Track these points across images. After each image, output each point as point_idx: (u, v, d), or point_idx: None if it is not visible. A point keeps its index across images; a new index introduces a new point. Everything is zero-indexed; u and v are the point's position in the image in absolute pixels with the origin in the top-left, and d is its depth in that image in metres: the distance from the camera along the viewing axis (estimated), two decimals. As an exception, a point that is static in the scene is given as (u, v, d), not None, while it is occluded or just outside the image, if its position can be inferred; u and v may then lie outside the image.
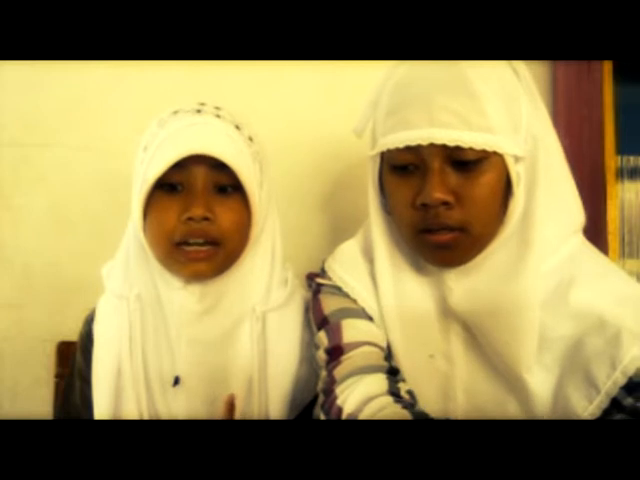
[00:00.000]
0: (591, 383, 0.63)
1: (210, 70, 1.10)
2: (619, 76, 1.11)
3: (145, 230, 0.76)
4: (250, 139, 0.78)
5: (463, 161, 0.65)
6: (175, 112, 0.77)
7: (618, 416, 0.61)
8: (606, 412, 0.62)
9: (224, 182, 0.75)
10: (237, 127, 0.77)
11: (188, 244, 0.74)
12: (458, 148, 0.64)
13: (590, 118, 1.09)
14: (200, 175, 0.74)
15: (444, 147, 0.64)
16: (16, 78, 1.15)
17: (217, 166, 0.73)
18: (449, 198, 0.65)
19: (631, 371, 0.61)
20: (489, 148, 0.64)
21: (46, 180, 1.16)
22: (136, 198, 0.76)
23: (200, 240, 0.74)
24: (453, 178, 0.66)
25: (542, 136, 0.69)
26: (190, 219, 0.72)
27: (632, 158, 1.14)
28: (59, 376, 1.11)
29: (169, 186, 0.74)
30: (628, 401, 0.61)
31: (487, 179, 0.66)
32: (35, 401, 1.13)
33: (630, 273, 0.73)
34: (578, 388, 0.64)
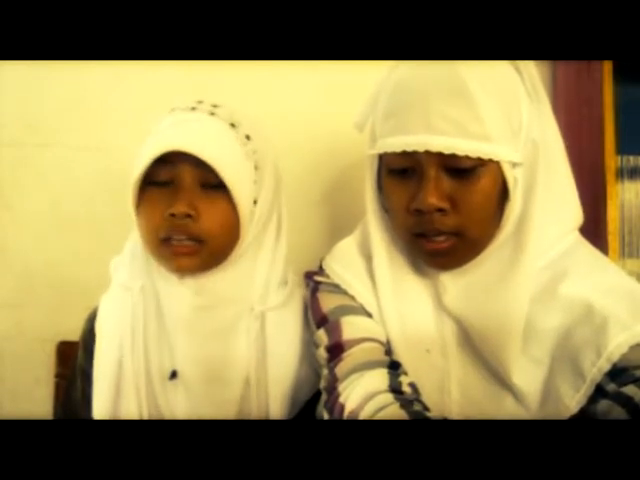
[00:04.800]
0: (578, 372, 0.64)
1: (210, 70, 1.10)
2: (619, 76, 1.10)
3: (138, 225, 0.78)
4: (247, 137, 0.78)
5: (459, 168, 0.65)
6: (172, 110, 0.78)
7: (602, 402, 0.61)
8: (591, 399, 0.63)
9: (211, 180, 0.74)
10: (232, 125, 0.77)
11: (172, 240, 0.74)
12: (454, 155, 0.64)
13: (590, 118, 1.09)
14: (186, 172, 0.74)
15: (440, 155, 0.64)
16: (16, 78, 1.15)
17: (204, 164, 0.73)
18: (444, 205, 0.65)
19: (615, 357, 0.62)
20: (485, 156, 0.64)
21: (46, 180, 1.16)
22: (128, 192, 0.77)
23: (182, 237, 0.74)
24: (448, 184, 0.66)
25: (543, 139, 0.69)
26: (172, 215, 0.73)
27: (632, 158, 1.14)
28: (59, 376, 1.11)
29: (158, 178, 0.75)
30: (611, 387, 0.62)
31: (482, 185, 0.66)
32: (35, 401, 1.13)
33: (630, 273, 0.73)
34: (566, 378, 0.64)
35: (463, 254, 0.69)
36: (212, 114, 0.77)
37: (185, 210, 0.73)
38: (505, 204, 0.67)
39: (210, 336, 0.78)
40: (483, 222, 0.67)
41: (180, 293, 0.77)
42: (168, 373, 0.78)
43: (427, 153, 0.64)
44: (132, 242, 0.84)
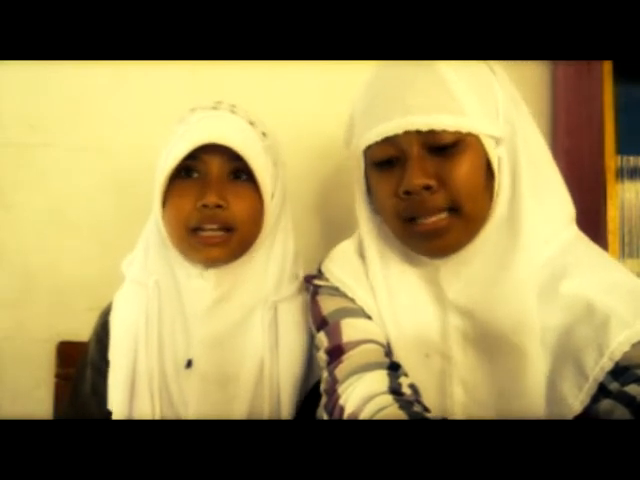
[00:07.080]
0: (580, 371, 0.63)
1: (210, 70, 1.11)
2: (619, 76, 1.10)
3: (164, 218, 0.80)
4: (264, 134, 0.82)
5: (440, 146, 0.66)
6: (193, 109, 0.81)
7: (605, 401, 0.60)
8: (593, 398, 0.62)
9: (238, 171, 0.79)
10: (251, 123, 0.81)
11: (203, 230, 0.77)
12: (433, 132, 0.65)
13: (590, 118, 1.09)
14: (215, 164, 0.78)
15: (420, 134, 0.66)
16: (16, 78, 1.16)
17: (231, 157, 0.77)
18: (430, 182, 0.66)
19: (617, 356, 0.61)
20: (462, 129, 0.65)
21: (46, 180, 1.16)
22: (156, 186, 0.79)
23: (214, 226, 0.77)
24: (432, 163, 0.67)
25: (521, 126, 0.70)
26: (204, 206, 0.76)
27: (632, 158, 1.13)
28: (59, 376, 1.11)
29: (185, 172, 0.78)
30: (614, 385, 0.61)
31: (466, 159, 0.66)
32: (35, 401, 1.13)
33: (630, 273, 0.73)
34: (569, 377, 0.64)
35: (459, 232, 0.68)
36: (233, 112, 0.81)
37: (216, 200, 0.76)
38: (493, 183, 0.68)
39: (227, 327, 0.81)
40: (474, 196, 0.67)
41: (200, 286, 0.80)
42: (182, 363, 0.80)
43: (407, 135, 0.66)
44: (145, 239, 0.86)
